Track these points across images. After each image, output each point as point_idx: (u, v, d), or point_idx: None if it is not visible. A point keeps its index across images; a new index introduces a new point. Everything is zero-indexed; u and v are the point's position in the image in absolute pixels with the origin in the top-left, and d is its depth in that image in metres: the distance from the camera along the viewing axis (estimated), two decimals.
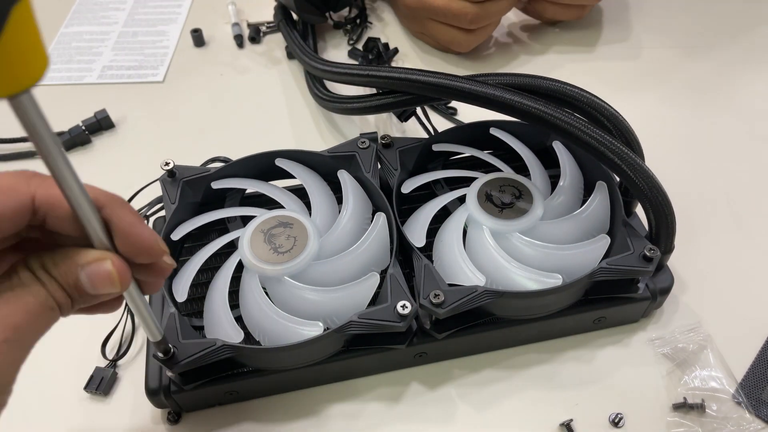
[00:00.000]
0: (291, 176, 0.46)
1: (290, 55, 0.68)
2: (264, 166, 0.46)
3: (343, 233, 0.43)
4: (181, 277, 0.41)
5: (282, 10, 0.68)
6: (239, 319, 0.40)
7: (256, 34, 0.71)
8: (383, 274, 0.40)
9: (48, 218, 0.26)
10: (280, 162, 0.46)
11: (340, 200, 0.45)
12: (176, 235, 0.42)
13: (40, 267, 0.26)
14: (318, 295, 0.40)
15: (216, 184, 0.45)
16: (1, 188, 0.25)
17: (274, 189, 0.46)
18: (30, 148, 0.59)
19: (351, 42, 0.70)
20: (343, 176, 0.45)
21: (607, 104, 0.43)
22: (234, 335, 0.38)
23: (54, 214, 0.26)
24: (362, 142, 0.46)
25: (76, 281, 0.26)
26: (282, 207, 0.45)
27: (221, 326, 0.39)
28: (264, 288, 0.41)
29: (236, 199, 0.47)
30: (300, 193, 0.46)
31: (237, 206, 0.46)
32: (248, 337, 0.39)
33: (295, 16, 0.68)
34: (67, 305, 0.27)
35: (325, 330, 0.38)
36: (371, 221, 0.43)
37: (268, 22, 0.72)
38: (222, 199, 0.47)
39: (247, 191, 0.48)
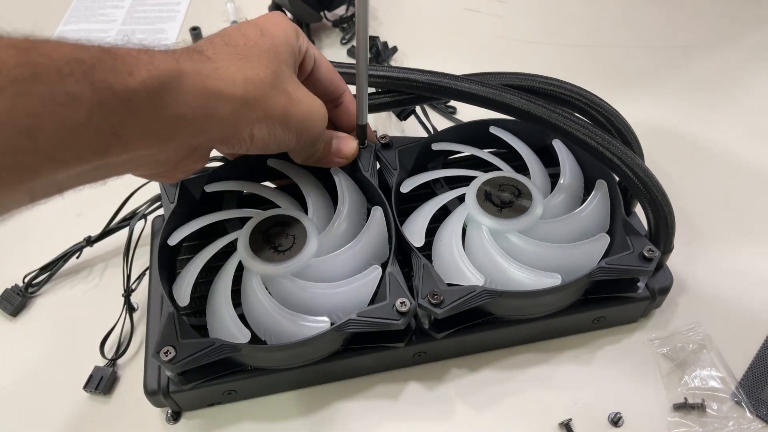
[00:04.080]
0: (286, 176, 0.46)
1: None
2: (259, 166, 0.46)
3: (341, 230, 0.43)
4: (181, 282, 0.41)
5: (276, 9, 0.68)
6: (242, 318, 0.40)
7: None
8: (383, 267, 0.40)
9: (314, 71, 0.40)
10: (272, 162, 0.46)
11: (335, 199, 0.45)
12: (172, 241, 0.42)
13: None
14: (322, 291, 0.40)
15: (209, 188, 0.45)
16: (285, 28, 0.36)
17: (269, 189, 0.46)
18: None
19: (344, 41, 0.70)
20: (337, 174, 0.45)
21: (606, 103, 0.42)
22: (240, 335, 0.38)
23: (319, 70, 0.40)
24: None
25: (330, 142, 0.42)
26: (278, 207, 0.45)
27: (225, 327, 0.39)
28: (265, 287, 0.40)
29: (234, 198, 0.47)
30: (294, 192, 0.46)
31: (234, 207, 0.46)
32: (252, 336, 0.39)
33: (289, 15, 0.68)
34: (318, 151, 0.42)
35: (331, 325, 0.38)
36: (367, 217, 0.43)
37: None
38: (220, 198, 0.47)
39: (244, 191, 0.48)
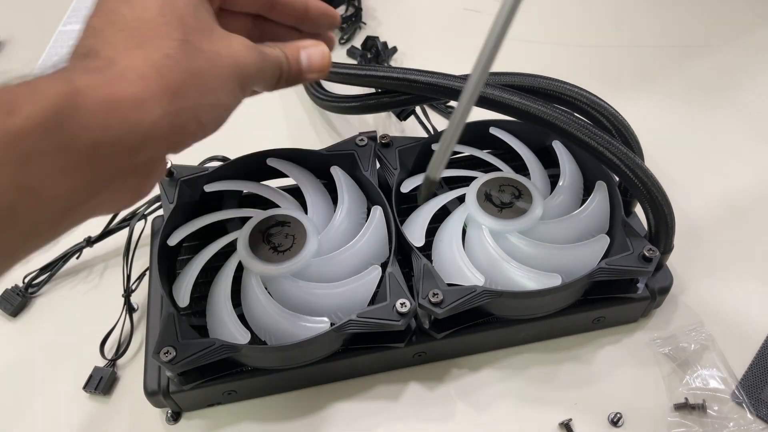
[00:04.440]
0: (285, 176, 0.46)
1: None
2: (258, 165, 0.46)
3: (341, 229, 0.43)
4: (181, 282, 0.41)
5: None
6: (242, 318, 0.40)
7: None
8: (383, 267, 0.40)
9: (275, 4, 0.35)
10: (271, 162, 0.46)
11: (335, 199, 0.45)
12: (172, 241, 0.42)
13: (274, 45, 0.33)
14: (322, 292, 0.40)
15: (209, 188, 0.45)
16: None
17: (268, 189, 0.46)
18: None
19: (342, 41, 0.70)
20: (336, 172, 0.45)
21: (606, 104, 0.42)
22: (240, 336, 0.38)
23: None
24: (360, 140, 0.46)
25: (298, 58, 0.34)
26: (278, 207, 0.45)
27: (225, 327, 0.39)
28: (265, 287, 0.40)
29: (233, 198, 0.47)
30: (294, 192, 0.46)
31: (234, 206, 0.46)
32: (252, 336, 0.39)
33: None
34: (285, 73, 0.34)
35: (331, 325, 0.38)
36: (367, 216, 0.43)
37: None
38: (220, 197, 0.47)
39: (244, 191, 0.48)
